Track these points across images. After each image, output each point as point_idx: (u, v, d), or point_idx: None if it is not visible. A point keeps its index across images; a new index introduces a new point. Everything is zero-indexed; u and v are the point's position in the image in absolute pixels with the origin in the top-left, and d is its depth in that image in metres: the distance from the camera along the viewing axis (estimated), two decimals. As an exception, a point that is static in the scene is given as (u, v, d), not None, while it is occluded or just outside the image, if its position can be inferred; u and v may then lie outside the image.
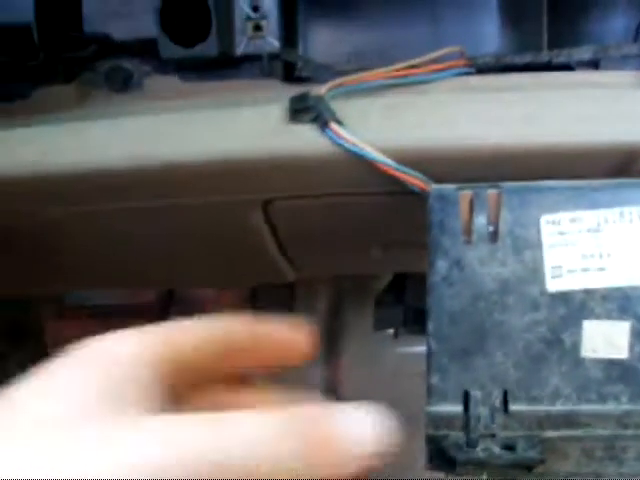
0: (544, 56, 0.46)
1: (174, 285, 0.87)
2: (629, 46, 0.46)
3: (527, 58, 0.46)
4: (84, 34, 0.49)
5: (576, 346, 0.37)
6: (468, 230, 0.38)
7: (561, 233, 0.37)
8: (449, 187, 0.39)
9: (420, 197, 0.40)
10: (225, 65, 0.48)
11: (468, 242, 0.38)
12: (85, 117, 0.47)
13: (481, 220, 0.38)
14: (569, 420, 0.37)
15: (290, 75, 0.48)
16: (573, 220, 0.37)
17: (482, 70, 0.46)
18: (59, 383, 0.25)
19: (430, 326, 0.38)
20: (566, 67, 0.46)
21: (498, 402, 0.37)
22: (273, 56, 0.48)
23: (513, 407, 0.37)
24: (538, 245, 0.37)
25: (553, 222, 0.37)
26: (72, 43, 0.49)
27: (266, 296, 0.98)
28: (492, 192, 0.38)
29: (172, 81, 0.49)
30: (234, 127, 0.44)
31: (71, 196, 0.48)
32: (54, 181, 0.46)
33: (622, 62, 0.46)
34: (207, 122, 0.45)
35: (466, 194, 0.38)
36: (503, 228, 0.38)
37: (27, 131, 0.47)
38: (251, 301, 1.00)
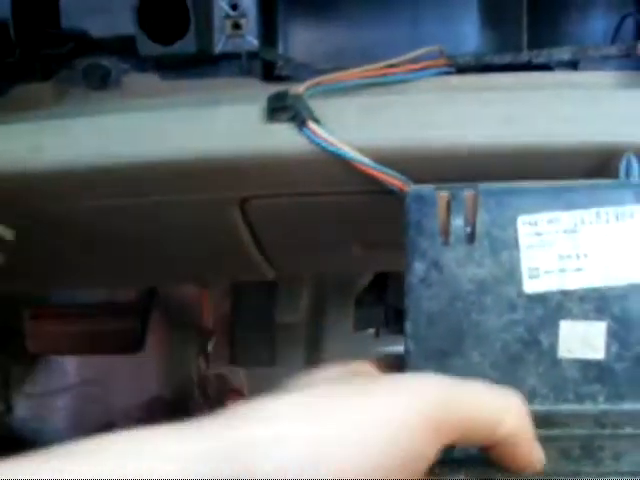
0: (524, 56, 0.46)
1: (155, 282, 0.87)
2: (607, 47, 0.46)
3: (507, 58, 0.46)
4: (61, 31, 0.48)
5: (553, 346, 0.37)
6: (445, 231, 0.38)
7: (538, 234, 0.37)
8: (427, 188, 0.39)
9: (399, 197, 0.40)
10: (204, 63, 0.48)
11: (445, 243, 0.38)
12: (63, 115, 0.47)
13: (458, 221, 0.38)
14: (546, 420, 0.37)
15: (269, 74, 0.48)
16: (550, 221, 0.37)
17: (462, 70, 0.46)
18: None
19: (408, 327, 0.38)
20: (546, 67, 0.46)
21: (475, 402, 0.37)
22: (252, 54, 0.48)
23: (490, 407, 0.37)
24: (515, 246, 0.37)
25: (530, 223, 0.37)
26: (49, 40, 0.49)
27: (247, 296, 0.98)
28: (469, 193, 0.38)
29: (150, 79, 0.49)
30: (212, 125, 0.44)
31: (49, 195, 0.47)
32: (31, 180, 0.46)
33: (601, 63, 0.46)
34: (185, 120, 0.44)
35: (443, 195, 0.38)
36: (480, 229, 0.38)
37: (3, 129, 0.46)
38: (232, 301, 0.99)
